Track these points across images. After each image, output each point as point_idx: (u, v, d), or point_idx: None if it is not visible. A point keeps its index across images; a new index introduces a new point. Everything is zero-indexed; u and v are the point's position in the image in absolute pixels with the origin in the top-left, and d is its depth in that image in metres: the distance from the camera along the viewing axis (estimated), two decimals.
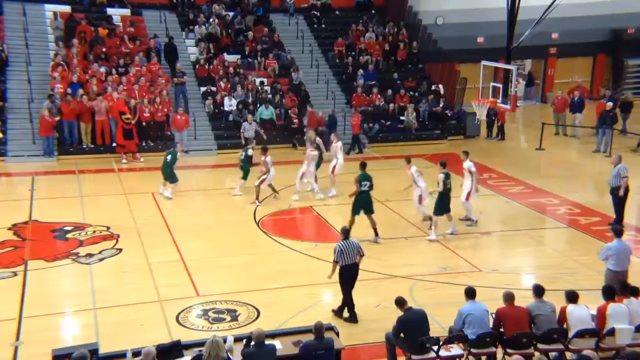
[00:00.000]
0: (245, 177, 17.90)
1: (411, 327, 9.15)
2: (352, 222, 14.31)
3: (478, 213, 17.02)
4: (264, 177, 17.04)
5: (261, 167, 17.12)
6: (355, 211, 14.47)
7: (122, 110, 21.62)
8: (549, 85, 32.36)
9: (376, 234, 14.58)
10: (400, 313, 9.31)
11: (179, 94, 23.79)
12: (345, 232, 11.20)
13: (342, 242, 10.89)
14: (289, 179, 18.82)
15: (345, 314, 11.05)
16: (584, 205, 17.43)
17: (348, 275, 10.91)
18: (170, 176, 17.53)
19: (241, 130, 21.47)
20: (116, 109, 21.66)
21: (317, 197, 17.70)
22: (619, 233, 11.14)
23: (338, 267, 10.92)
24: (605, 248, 11.12)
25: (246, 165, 17.92)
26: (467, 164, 15.45)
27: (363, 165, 14.97)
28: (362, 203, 14.46)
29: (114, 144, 21.99)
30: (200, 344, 8.48)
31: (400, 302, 9.37)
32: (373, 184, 14.62)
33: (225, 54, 25.74)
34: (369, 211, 14.55)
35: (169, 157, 17.53)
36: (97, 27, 25.09)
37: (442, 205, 14.68)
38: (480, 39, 29.86)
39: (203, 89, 24.52)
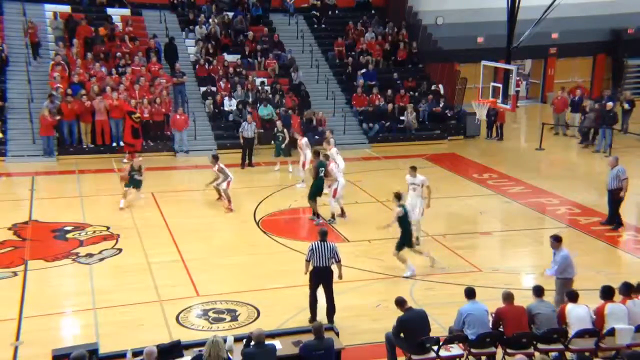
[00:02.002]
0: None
1: (411, 327, 9.16)
2: (313, 207, 15.84)
3: (478, 213, 17.07)
4: (225, 181, 16.85)
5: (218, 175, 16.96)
6: (313, 196, 15.83)
7: (131, 110, 21.65)
8: (549, 85, 32.35)
9: (317, 215, 15.90)
10: (400, 313, 9.31)
11: (177, 94, 23.77)
12: (323, 234, 10.87)
13: (316, 242, 10.75)
14: (291, 179, 18.87)
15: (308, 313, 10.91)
16: (584, 205, 17.44)
17: (317, 277, 10.71)
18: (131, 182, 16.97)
19: (240, 130, 21.43)
20: (120, 109, 21.68)
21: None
22: (560, 240, 10.86)
23: (311, 268, 10.78)
24: (561, 262, 10.69)
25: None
26: (420, 179, 14.17)
27: (317, 154, 16.23)
28: (320, 188, 15.75)
29: (122, 143, 21.99)
30: (200, 344, 8.49)
31: (400, 302, 9.37)
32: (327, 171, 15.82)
33: (225, 54, 25.75)
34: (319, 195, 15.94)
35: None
36: (97, 27, 25.09)
37: (402, 240, 12.79)
38: (480, 39, 29.83)
39: (203, 89, 24.50)
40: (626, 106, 24.41)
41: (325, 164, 15.84)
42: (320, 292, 10.86)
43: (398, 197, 12.85)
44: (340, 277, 10.90)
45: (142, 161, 17.44)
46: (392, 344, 9.43)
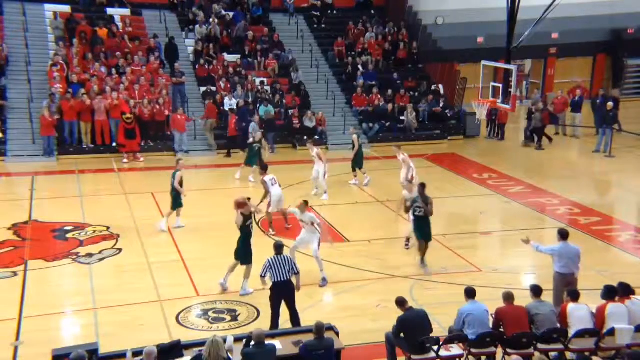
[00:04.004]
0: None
1: (411, 327, 9.15)
2: (424, 247, 13.23)
3: (478, 213, 17.06)
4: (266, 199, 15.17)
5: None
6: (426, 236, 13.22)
7: (123, 110, 21.64)
8: (549, 85, 32.35)
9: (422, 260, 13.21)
10: (400, 313, 9.31)
11: (176, 93, 23.75)
12: (278, 248, 10.60)
13: (272, 257, 10.44)
14: (291, 179, 18.85)
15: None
16: (584, 205, 17.43)
17: (278, 293, 10.37)
18: (173, 199, 15.23)
19: (250, 131, 21.42)
20: (118, 109, 21.68)
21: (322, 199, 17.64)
22: (563, 236, 10.83)
23: (270, 284, 10.40)
24: (547, 248, 10.96)
25: None
26: (308, 216, 12.76)
27: (423, 186, 13.35)
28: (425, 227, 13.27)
29: (114, 144, 22.01)
30: (200, 344, 8.49)
31: (400, 302, 9.37)
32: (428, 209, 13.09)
33: (225, 54, 25.74)
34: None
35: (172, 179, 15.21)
36: (97, 27, 25.09)
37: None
38: (480, 39, 29.84)
39: (203, 89, 24.50)
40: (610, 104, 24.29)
41: (417, 199, 13.19)
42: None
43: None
44: (298, 288, 10.57)
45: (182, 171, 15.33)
46: (392, 344, 9.43)
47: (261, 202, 15.25)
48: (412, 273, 13.04)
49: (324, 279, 12.56)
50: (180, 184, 15.01)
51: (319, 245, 12.58)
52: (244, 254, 12.00)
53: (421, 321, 9.24)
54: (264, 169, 15.69)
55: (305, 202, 12.88)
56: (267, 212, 15.14)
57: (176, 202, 15.18)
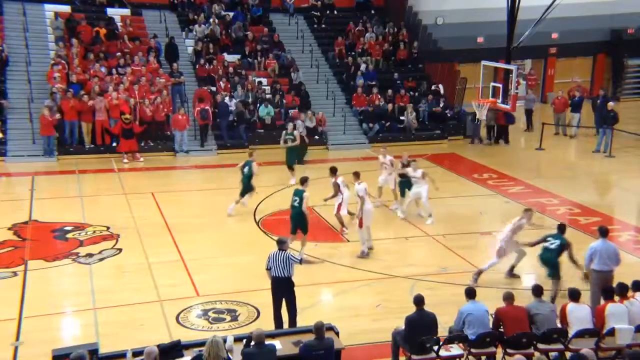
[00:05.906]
0: None
1: (415, 328, 9.14)
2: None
3: (478, 213, 17.04)
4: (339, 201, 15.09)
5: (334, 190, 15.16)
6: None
7: (122, 110, 21.64)
8: (549, 85, 32.37)
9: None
10: (409, 312, 9.28)
11: (175, 94, 23.73)
12: (279, 243, 10.52)
13: (273, 252, 10.43)
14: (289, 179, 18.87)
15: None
16: (584, 205, 17.43)
17: (275, 288, 10.37)
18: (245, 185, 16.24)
19: (300, 130, 21.48)
20: (118, 109, 21.67)
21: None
22: (603, 233, 10.98)
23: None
24: (588, 250, 10.96)
25: None
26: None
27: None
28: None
29: (115, 144, 21.99)
30: (200, 344, 8.49)
31: (418, 301, 9.29)
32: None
33: (225, 54, 25.75)
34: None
35: (246, 168, 16.13)
36: (97, 27, 25.09)
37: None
38: (480, 39, 29.85)
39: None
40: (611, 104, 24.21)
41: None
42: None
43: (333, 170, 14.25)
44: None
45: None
46: (396, 344, 9.42)
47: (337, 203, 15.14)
48: (412, 273, 13.04)
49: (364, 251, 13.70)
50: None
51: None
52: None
53: (428, 324, 9.19)
54: (333, 171, 15.15)
55: (356, 174, 14.28)
56: (337, 214, 15.08)
57: (248, 188, 16.22)
